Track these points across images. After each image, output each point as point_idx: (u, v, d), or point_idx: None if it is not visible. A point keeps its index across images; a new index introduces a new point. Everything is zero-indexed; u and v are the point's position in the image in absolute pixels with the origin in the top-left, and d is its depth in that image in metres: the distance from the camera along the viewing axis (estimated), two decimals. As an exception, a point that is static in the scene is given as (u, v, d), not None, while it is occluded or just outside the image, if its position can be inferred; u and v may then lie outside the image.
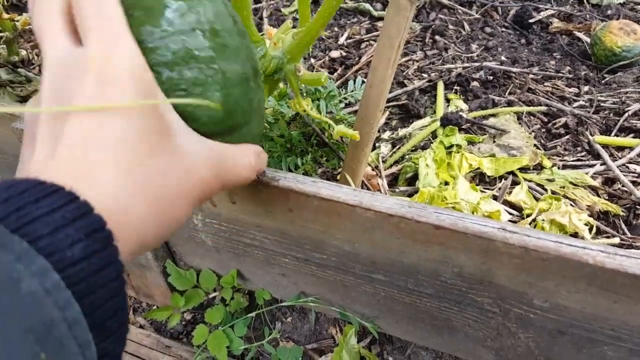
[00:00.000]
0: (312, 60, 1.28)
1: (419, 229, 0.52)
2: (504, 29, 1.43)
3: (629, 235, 0.79)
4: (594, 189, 0.87)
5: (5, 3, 1.52)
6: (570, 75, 1.21)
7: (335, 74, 1.22)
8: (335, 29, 1.42)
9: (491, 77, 1.16)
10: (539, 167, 0.91)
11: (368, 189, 0.90)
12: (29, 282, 0.22)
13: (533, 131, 1.01)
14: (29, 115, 0.34)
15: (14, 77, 1.24)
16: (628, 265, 0.46)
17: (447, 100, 1.09)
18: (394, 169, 0.94)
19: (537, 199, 0.83)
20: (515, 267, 0.50)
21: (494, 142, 0.94)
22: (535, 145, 0.95)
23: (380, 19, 1.43)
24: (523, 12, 1.44)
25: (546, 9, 1.50)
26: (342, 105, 0.98)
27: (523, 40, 1.39)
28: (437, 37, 1.33)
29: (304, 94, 0.90)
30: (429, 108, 1.08)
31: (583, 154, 0.96)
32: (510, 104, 1.07)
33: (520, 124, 1.01)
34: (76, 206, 0.26)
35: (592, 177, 0.89)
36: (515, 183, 0.87)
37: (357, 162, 0.81)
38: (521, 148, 0.90)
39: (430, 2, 1.51)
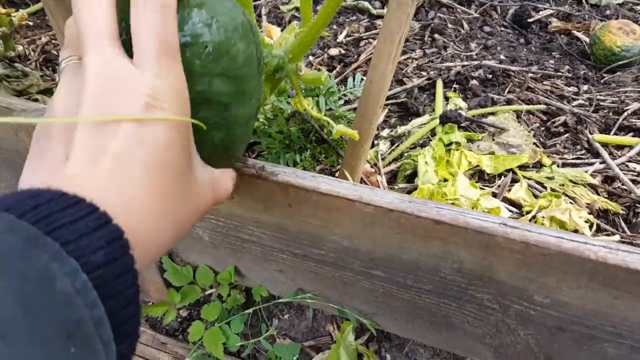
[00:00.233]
0: (311, 58, 1.28)
1: (420, 224, 0.52)
2: (502, 28, 1.43)
3: (628, 233, 0.79)
4: (593, 187, 0.87)
5: (3, -2, 1.51)
6: (570, 75, 1.21)
7: (334, 71, 1.22)
8: (334, 26, 1.41)
9: (490, 76, 1.16)
10: (539, 165, 0.91)
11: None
12: (62, 281, 0.24)
13: (532, 129, 1.01)
14: (42, 128, 0.35)
15: (11, 72, 1.23)
16: (630, 260, 0.46)
17: (446, 99, 1.09)
18: (393, 167, 0.94)
19: (536, 197, 0.83)
20: (516, 262, 0.50)
21: (493, 140, 0.94)
22: (534, 143, 0.95)
23: (379, 17, 1.43)
24: (522, 12, 1.44)
25: (545, 9, 1.50)
26: (342, 102, 0.97)
27: (522, 40, 1.39)
28: (436, 36, 1.33)
29: (304, 91, 0.90)
30: (428, 106, 1.08)
31: (582, 152, 0.96)
32: (509, 102, 1.07)
33: (519, 122, 1.01)
34: (97, 216, 0.27)
35: (591, 175, 0.89)
36: (514, 181, 0.87)
37: (356, 158, 0.81)
38: (520, 146, 0.90)
39: (429, 1, 1.51)
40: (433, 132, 0.98)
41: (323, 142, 0.91)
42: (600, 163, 0.92)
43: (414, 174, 0.89)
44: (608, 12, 1.52)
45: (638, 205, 0.84)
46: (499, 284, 0.54)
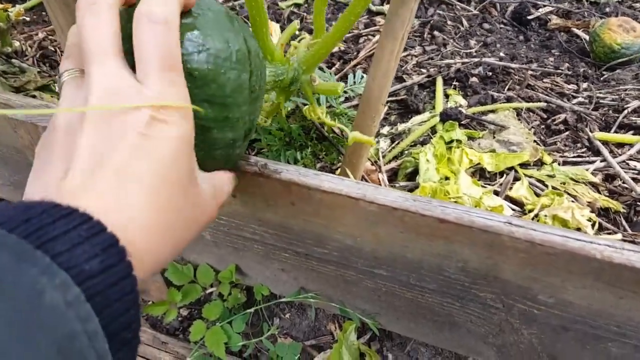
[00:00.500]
0: (310, 55, 1.27)
1: (424, 222, 0.51)
2: (502, 26, 1.43)
3: (630, 231, 0.79)
4: (594, 186, 0.87)
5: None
6: (569, 72, 1.21)
7: (334, 68, 1.21)
8: (333, 23, 1.41)
9: (490, 73, 1.15)
10: (539, 163, 0.91)
11: (367, 184, 0.89)
12: (51, 294, 0.23)
13: (532, 127, 1.01)
14: (44, 143, 0.35)
15: (7, 68, 1.22)
16: (635, 260, 0.46)
17: (446, 96, 1.09)
18: (393, 164, 0.94)
19: (537, 195, 0.83)
20: (520, 261, 0.50)
21: (494, 137, 0.94)
22: (535, 141, 0.95)
23: (379, 13, 1.42)
24: (521, 9, 1.43)
25: (544, 6, 1.50)
26: (342, 99, 0.97)
27: (521, 37, 1.38)
28: (435, 33, 1.32)
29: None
30: (428, 103, 1.07)
31: (583, 150, 0.96)
32: (509, 100, 1.07)
33: (519, 120, 1.01)
34: (90, 226, 0.27)
35: (592, 173, 0.88)
36: (515, 179, 0.87)
37: (357, 156, 0.80)
38: (521, 144, 0.90)
39: (428, -2, 1.51)
40: (433, 130, 0.98)
41: (324, 140, 0.90)
42: (601, 161, 0.92)
43: (415, 171, 0.89)
44: (607, 9, 1.52)
45: (639, 203, 0.84)
46: (503, 283, 0.54)
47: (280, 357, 0.77)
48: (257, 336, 0.81)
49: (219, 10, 0.41)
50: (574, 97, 1.11)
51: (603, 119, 1.04)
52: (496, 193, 0.82)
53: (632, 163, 0.93)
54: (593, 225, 0.75)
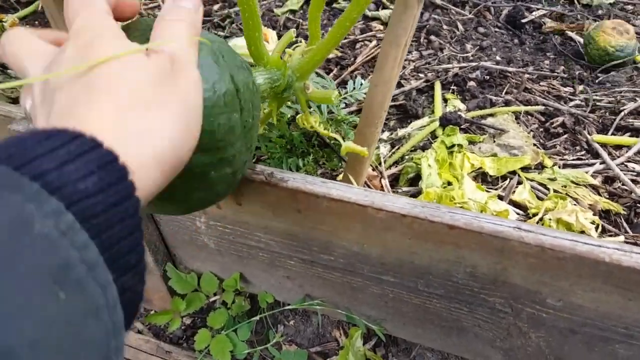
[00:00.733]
0: (307, 61, 1.27)
1: (433, 229, 0.52)
2: (497, 29, 1.44)
3: (631, 233, 0.80)
4: (594, 188, 0.87)
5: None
6: (565, 75, 1.22)
7: (331, 74, 1.21)
8: (329, 29, 1.41)
9: (487, 77, 1.16)
10: (540, 167, 0.92)
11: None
12: (42, 223, 0.21)
13: (531, 130, 1.02)
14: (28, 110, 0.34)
15: (4, 79, 1.22)
16: (644, 263, 0.46)
17: (445, 100, 1.09)
18: (394, 170, 0.94)
19: (539, 198, 0.83)
20: (530, 266, 0.50)
21: (494, 141, 0.94)
22: (534, 144, 0.95)
23: (374, 19, 1.43)
24: (515, 12, 1.44)
25: (538, 9, 1.51)
26: (342, 105, 0.97)
27: (516, 40, 1.39)
28: (432, 37, 1.33)
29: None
30: (427, 108, 1.08)
31: (582, 153, 0.97)
32: (507, 103, 1.08)
33: (518, 123, 1.02)
34: (82, 142, 0.25)
35: (592, 175, 0.89)
36: (517, 182, 0.87)
37: (360, 162, 0.80)
38: (522, 147, 0.90)
39: (423, 2, 1.51)
40: (433, 135, 0.99)
41: (325, 146, 0.91)
42: (600, 164, 0.93)
43: (417, 177, 0.89)
44: (600, 12, 1.53)
45: (639, 205, 0.85)
46: (512, 288, 0.54)
47: (286, 364, 0.77)
48: (262, 344, 0.80)
49: (202, 49, 0.39)
50: (571, 100, 1.12)
51: (600, 121, 1.05)
52: (500, 197, 0.82)
53: (631, 165, 0.93)
54: (596, 228, 0.76)
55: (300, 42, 0.77)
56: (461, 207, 0.73)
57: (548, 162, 0.90)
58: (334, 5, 1.51)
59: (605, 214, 0.84)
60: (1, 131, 0.70)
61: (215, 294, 0.86)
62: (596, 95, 1.14)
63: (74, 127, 0.25)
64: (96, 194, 0.24)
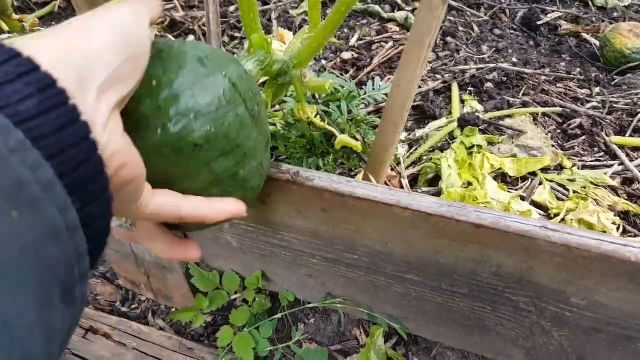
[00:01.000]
0: (324, 62, 1.29)
1: (459, 228, 0.52)
2: (512, 31, 1.44)
3: (651, 234, 0.80)
4: (613, 189, 0.88)
5: (15, 3, 1.51)
6: (581, 77, 1.22)
7: (347, 75, 1.22)
8: (346, 30, 1.42)
9: (504, 79, 1.17)
10: (559, 168, 0.92)
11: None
12: None
13: (549, 132, 1.02)
14: None
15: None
16: (671, 262, 0.47)
17: (462, 102, 1.10)
18: (412, 170, 0.95)
19: (559, 199, 0.84)
20: (556, 265, 0.51)
21: (513, 142, 0.95)
22: (552, 145, 0.96)
23: (390, 20, 1.44)
24: (531, 15, 1.45)
25: (553, 12, 1.51)
26: (362, 106, 0.98)
27: (532, 42, 1.40)
28: (448, 39, 1.34)
29: (326, 95, 0.90)
30: (444, 109, 1.09)
31: (600, 154, 0.97)
32: (525, 105, 1.08)
33: (536, 124, 1.02)
34: (19, 62, 0.23)
35: (610, 177, 0.90)
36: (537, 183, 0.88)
37: (380, 162, 0.81)
38: (541, 148, 0.91)
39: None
40: (451, 136, 0.99)
41: (345, 147, 0.91)
42: (619, 165, 0.93)
43: (436, 177, 0.90)
44: (615, 14, 1.53)
45: (658, 206, 0.85)
46: (537, 287, 0.55)
47: (308, 362, 0.78)
48: (283, 342, 0.81)
49: (187, 57, 0.39)
50: (588, 102, 1.12)
51: (618, 123, 1.06)
52: (521, 198, 0.83)
53: (649, 166, 0.94)
54: (617, 229, 0.76)
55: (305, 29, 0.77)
56: (485, 207, 0.74)
57: (567, 164, 0.91)
58: None
59: (624, 215, 0.84)
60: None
61: (236, 292, 0.87)
62: (613, 97, 1.14)
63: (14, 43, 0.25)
64: (39, 116, 0.23)
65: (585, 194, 0.82)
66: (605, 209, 0.80)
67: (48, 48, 0.26)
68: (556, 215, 0.78)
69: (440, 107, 1.08)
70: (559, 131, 1.04)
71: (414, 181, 0.94)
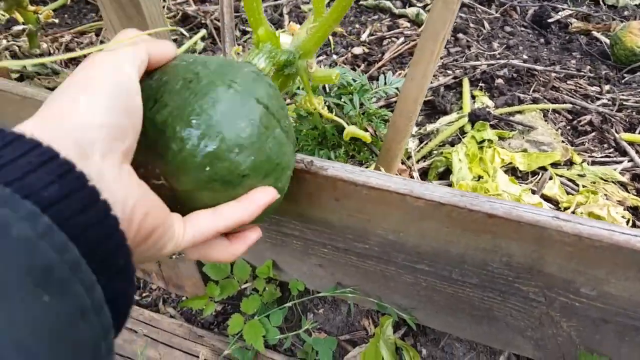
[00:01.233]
0: (335, 57, 1.29)
1: (471, 217, 0.53)
2: (523, 28, 1.44)
3: (660, 230, 0.80)
4: (622, 185, 0.88)
5: (30, -4, 1.52)
6: (592, 74, 1.23)
7: (358, 70, 1.23)
8: (357, 25, 1.43)
9: (515, 75, 1.17)
10: (569, 163, 0.93)
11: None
12: (19, 226, 0.22)
13: (559, 128, 1.02)
14: None
15: (40, 69, 1.25)
16: (681, 253, 0.47)
17: (473, 97, 1.10)
18: (423, 164, 0.95)
19: (569, 194, 0.84)
20: (567, 255, 0.51)
21: (524, 138, 0.95)
22: (562, 141, 0.96)
23: (401, 16, 1.44)
24: (542, 12, 1.45)
25: (563, 9, 1.51)
26: (373, 100, 0.99)
27: (542, 40, 1.40)
28: (459, 35, 1.34)
29: (339, 88, 0.91)
30: (455, 104, 1.09)
31: (610, 150, 0.98)
32: (535, 101, 1.09)
33: (546, 121, 1.02)
34: (41, 152, 0.25)
35: (620, 173, 0.90)
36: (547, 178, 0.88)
37: (392, 155, 0.82)
38: (551, 144, 0.92)
39: None
40: (461, 131, 1.00)
41: (357, 139, 0.92)
42: (629, 161, 0.93)
43: (446, 171, 0.91)
44: (626, 12, 1.53)
45: (667, 202, 0.85)
46: (547, 277, 0.55)
47: (316, 350, 0.79)
48: (292, 330, 0.83)
49: (218, 88, 0.39)
50: (598, 99, 1.13)
51: (627, 120, 1.06)
52: (532, 191, 0.83)
53: (659, 163, 0.94)
54: (627, 223, 0.77)
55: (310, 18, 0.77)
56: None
57: (577, 159, 0.91)
58: None
59: (633, 211, 0.84)
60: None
61: (246, 282, 0.88)
62: (623, 95, 1.14)
63: (32, 128, 0.27)
64: (61, 200, 0.24)
65: (596, 189, 0.83)
66: (615, 203, 0.80)
67: (49, 128, 0.28)
68: (566, 208, 0.79)
69: (450, 102, 1.09)
70: (568, 127, 1.04)
71: (424, 175, 0.95)
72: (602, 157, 0.96)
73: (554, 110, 1.07)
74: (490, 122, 0.98)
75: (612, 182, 0.87)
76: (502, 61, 1.21)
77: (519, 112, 1.03)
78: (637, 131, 1.03)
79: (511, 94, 1.10)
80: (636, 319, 0.55)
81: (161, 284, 0.96)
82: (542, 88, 1.14)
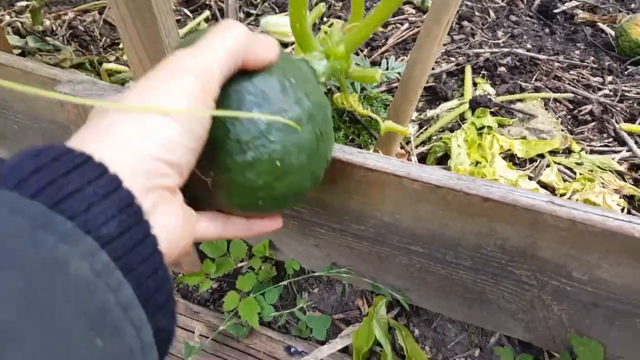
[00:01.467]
0: (338, 40, 1.29)
1: (467, 201, 0.54)
2: (528, 18, 1.44)
3: (654, 220, 0.81)
4: (620, 174, 0.89)
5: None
6: (595, 65, 1.22)
7: (361, 55, 1.23)
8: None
9: (518, 64, 1.17)
10: (567, 151, 0.93)
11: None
12: (77, 264, 0.21)
13: (560, 117, 1.03)
14: None
15: (42, 46, 1.25)
16: (673, 240, 0.48)
17: (475, 84, 1.10)
18: (422, 149, 0.96)
19: (566, 181, 0.85)
20: (560, 239, 0.52)
21: (523, 125, 0.96)
22: (562, 130, 0.97)
23: (407, 2, 1.43)
24: (548, 3, 1.44)
25: (570, 0, 1.51)
26: (374, 84, 0.99)
27: (547, 30, 1.40)
28: (464, 23, 1.34)
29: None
30: (456, 91, 1.09)
31: (609, 140, 0.98)
32: (537, 90, 1.09)
33: (547, 109, 1.03)
34: (107, 180, 0.25)
35: (618, 162, 0.91)
36: (545, 165, 0.89)
37: (391, 139, 0.82)
38: (551, 132, 0.92)
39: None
40: (462, 117, 1.00)
41: (356, 123, 0.93)
42: (627, 151, 0.94)
43: (444, 156, 0.91)
44: (633, 5, 1.52)
45: (663, 193, 0.86)
46: (540, 261, 0.56)
47: (310, 328, 0.80)
48: (287, 309, 0.84)
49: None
50: (600, 90, 1.13)
51: (628, 111, 1.06)
52: (529, 178, 0.84)
53: (657, 154, 0.95)
54: (622, 210, 0.78)
55: (332, 21, 0.77)
56: (492, 183, 0.75)
57: (576, 147, 0.92)
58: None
59: (629, 200, 0.85)
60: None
61: (242, 260, 0.89)
62: (625, 86, 1.14)
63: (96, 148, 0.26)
64: (117, 237, 0.24)
65: (592, 177, 0.83)
66: (611, 191, 0.81)
67: (115, 151, 0.27)
68: (562, 195, 0.80)
69: (452, 89, 1.09)
70: (569, 117, 1.05)
71: (422, 160, 0.95)
72: (600, 146, 0.96)
73: (555, 100, 1.07)
74: (491, 109, 0.99)
75: (610, 170, 0.87)
76: (505, 49, 1.21)
77: (520, 100, 1.03)
78: (637, 122, 1.03)
79: (513, 82, 1.10)
80: (626, 304, 0.56)
81: (159, 260, 0.97)
82: (545, 77, 1.14)
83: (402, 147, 0.96)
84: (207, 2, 1.46)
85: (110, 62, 1.22)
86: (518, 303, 0.64)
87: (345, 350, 0.80)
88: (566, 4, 1.48)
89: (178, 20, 1.39)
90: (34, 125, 0.82)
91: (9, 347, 0.18)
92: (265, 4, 1.45)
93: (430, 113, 1.02)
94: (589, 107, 1.05)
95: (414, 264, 0.68)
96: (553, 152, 0.91)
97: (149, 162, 0.28)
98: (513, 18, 1.41)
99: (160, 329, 0.26)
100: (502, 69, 1.15)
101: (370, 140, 0.93)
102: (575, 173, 0.87)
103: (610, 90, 1.12)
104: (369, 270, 0.75)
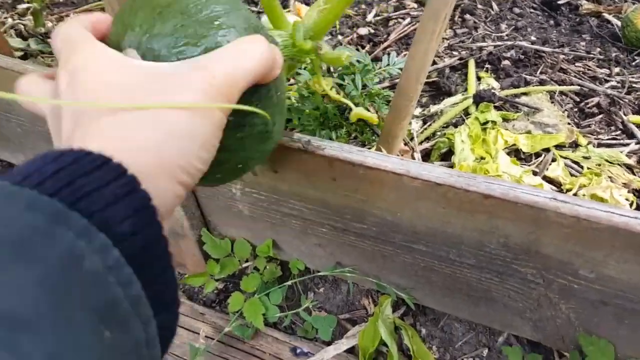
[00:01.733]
0: (340, 37, 1.28)
1: (468, 198, 0.53)
2: (532, 10, 1.42)
3: (664, 213, 0.79)
4: (629, 167, 0.87)
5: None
6: (601, 57, 1.20)
7: (363, 50, 1.22)
8: (363, 6, 1.41)
9: (522, 57, 1.15)
10: (574, 145, 0.91)
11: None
12: (90, 259, 0.22)
13: (566, 110, 1.01)
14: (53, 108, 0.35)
15: (43, 47, 1.25)
16: (680, 235, 0.47)
17: (478, 78, 1.09)
18: (426, 145, 0.95)
19: (573, 176, 0.84)
20: (564, 237, 0.51)
21: (529, 119, 0.94)
22: (568, 123, 0.95)
23: (409, -4, 1.42)
24: (552, -7, 1.42)
25: (575, -10, 1.48)
26: (376, 80, 0.98)
27: (552, 22, 1.37)
28: (466, 16, 1.32)
29: (341, 68, 0.90)
30: (460, 86, 1.08)
31: (617, 133, 0.96)
32: (542, 83, 1.07)
33: (552, 102, 1.01)
34: (125, 182, 0.26)
35: (626, 155, 0.89)
36: (551, 160, 0.87)
37: (393, 136, 0.81)
38: (557, 125, 0.90)
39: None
40: (466, 112, 0.99)
41: (358, 120, 0.91)
42: (636, 144, 0.92)
43: (449, 152, 0.90)
44: (639, -7, 1.50)
45: (673, 186, 0.84)
46: (545, 259, 0.55)
47: (316, 328, 0.80)
48: (292, 309, 0.83)
49: None
50: (607, 81, 1.11)
51: (636, 102, 1.04)
52: (534, 173, 0.82)
53: (667, 147, 0.93)
54: (631, 205, 0.76)
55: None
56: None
57: (582, 141, 0.90)
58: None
59: (638, 194, 0.83)
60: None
61: (247, 261, 0.89)
62: (632, 77, 1.12)
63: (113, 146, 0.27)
64: (130, 237, 0.25)
65: (600, 171, 0.82)
66: (619, 185, 0.80)
67: (137, 154, 0.28)
68: (569, 190, 0.78)
69: (455, 84, 1.08)
70: (575, 110, 1.03)
71: (427, 156, 0.94)
72: (608, 139, 0.94)
73: (561, 92, 1.06)
74: (495, 104, 0.97)
75: (618, 164, 0.85)
76: (509, 42, 1.19)
77: (525, 93, 1.02)
78: (646, 114, 1.01)
79: (517, 76, 1.08)
80: (635, 302, 0.55)
81: (163, 262, 0.97)
82: (550, 70, 1.13)
83: (405, 144, 0.95)
84: None
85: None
86: (525, 302, 0.63)
87: (352, 350, 0.79)
88: (571, -6, 1.46)
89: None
90: (37, 128, 0.82)
91: (24, 337, 0.19)
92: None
93: (433, 108, 1.01)
94: (595, 99, 1.03)
95: (418, 263, 0.67)
96: (559, 146, 0.89)
97: (170, 170, 0.29)
98: (516, 10, 1.39)
99: (163, 327, 0.27)
100: (506, 62, 1.13)
101: (373, 138, 0.92)
102: (582, 167, 0.85)
103: (618, 82, 1.10)
104: (373, 269, 0.74)
